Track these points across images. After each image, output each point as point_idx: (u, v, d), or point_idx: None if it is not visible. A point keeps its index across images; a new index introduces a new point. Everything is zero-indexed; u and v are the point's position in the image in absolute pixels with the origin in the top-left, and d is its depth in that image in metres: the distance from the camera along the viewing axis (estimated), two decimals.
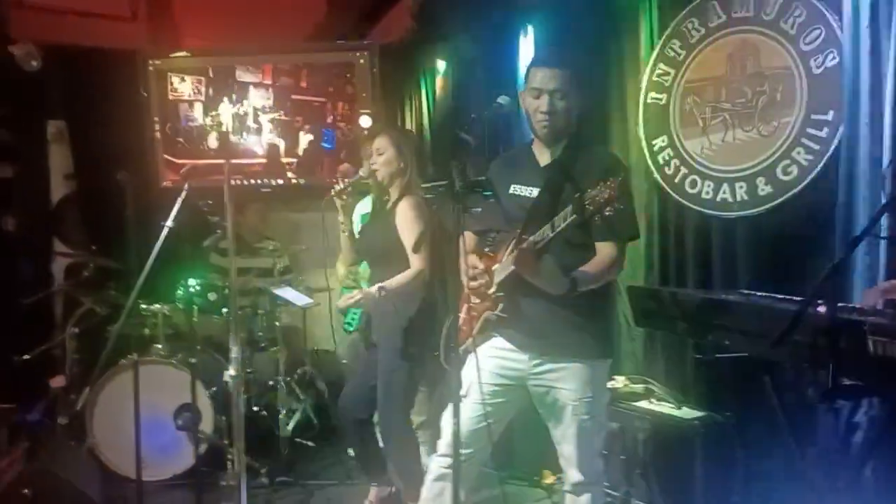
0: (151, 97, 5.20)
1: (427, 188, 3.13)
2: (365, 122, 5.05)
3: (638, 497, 3.15)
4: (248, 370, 4.53)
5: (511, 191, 2.49)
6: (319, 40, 5.62)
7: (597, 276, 2.34)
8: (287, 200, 5.39)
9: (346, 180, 3.31)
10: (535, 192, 2.42)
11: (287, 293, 4.38)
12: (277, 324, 4.50)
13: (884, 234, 2.50)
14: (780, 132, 3.11)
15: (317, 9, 5.65)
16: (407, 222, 3.14)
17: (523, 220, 2.38)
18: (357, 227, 3.55)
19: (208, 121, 5.14)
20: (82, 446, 3.85)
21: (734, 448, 2.97)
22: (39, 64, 4.68)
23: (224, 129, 5.11)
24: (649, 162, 3.61)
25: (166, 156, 5.26)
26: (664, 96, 3.56)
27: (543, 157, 2.48)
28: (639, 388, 3.35)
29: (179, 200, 2.95)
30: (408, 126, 5.58)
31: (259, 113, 5.22)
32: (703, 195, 3.39)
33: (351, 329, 3.64)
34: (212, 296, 4.21)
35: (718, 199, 3.33)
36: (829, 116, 2.93)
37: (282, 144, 5.25)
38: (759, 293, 2.55)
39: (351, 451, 4.07)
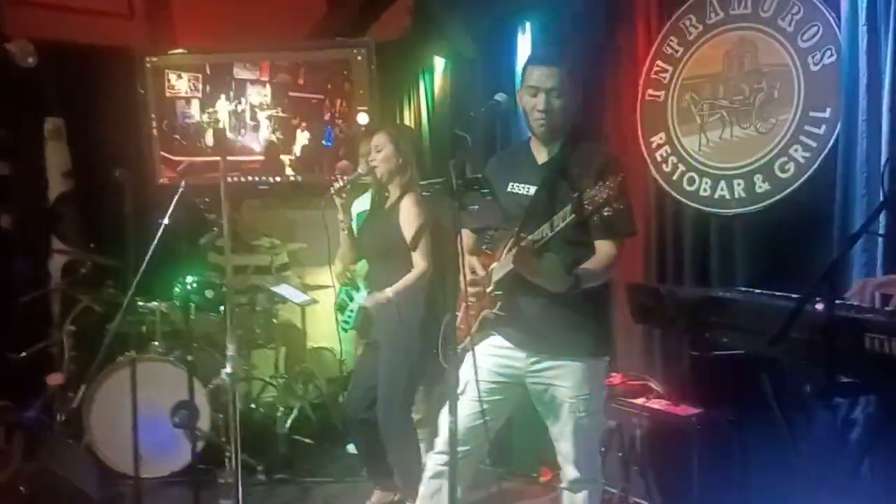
0: (148, 94, 5.19)
1: (424, 186, 3.13)
2: (363, 119, 5.04)
3: (635, 494, 3.16)
4: (246, 367, 4.53)
5: (509, 189, 2.48)
6: (317, 37, 5.60)
7: (598, 274, 2.34)
8: (285, 198, 5.39)
9: (344, 178, 3.30)
10: (532, 190, 2.42)
11: (285, 290, 4.39)
12: (275, 321, 4.50)
13: (881, 231, 2.50)
14: (777, 129, 3.11)
15: (315, 6, 5.64)
16: (411, 219, 3.13)
17: (521, 217, 2.37)
18: (354, 225, 3.54)
19: (205, 118, 5.13)
20: (80, 444, 3.84)
21: (731, 445, 2.98)
22: (35, 61, 4.66)
23: (221, 126, 5.10)
24: (647, 159, 3.61)
25: (163, 153, 5.25)
26: (662, 93, 3.55)
27: (541, 154, 2.48)
28: (636, 385, 3.35)
29: (176, 198, 2.95)
30: (406, 124, 5.57)
31: (257, 110, 5.21)
32: (701, 192, 3.39)
33: (348, 327, 3.64)
34: (209, 293, 4.22)
35: (716, 196, 3.33)
36: (827, 114, 2.93)
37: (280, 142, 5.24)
38: (756, 290, 2.55)
39: (350, 448, 4.09)
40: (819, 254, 2.86)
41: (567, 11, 3.92)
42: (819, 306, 1.80)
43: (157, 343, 4.05)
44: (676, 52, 3.49)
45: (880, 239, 2.55)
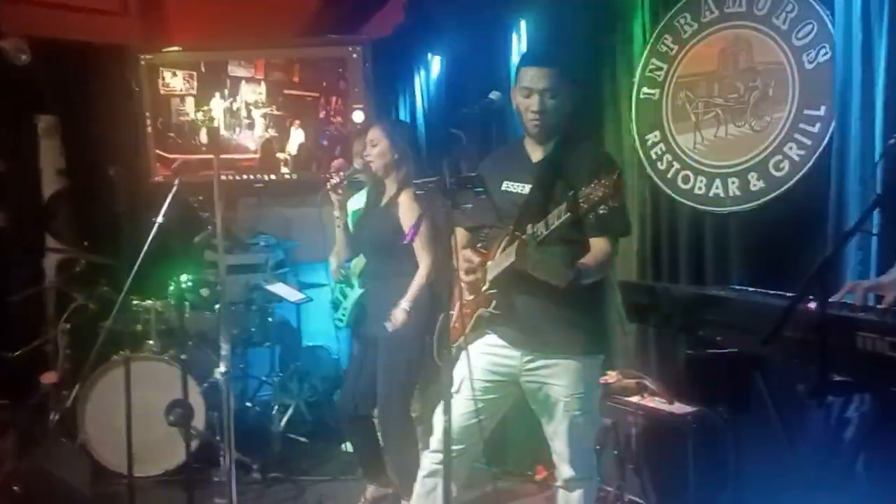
0: (143, 92, 5.18)
1: (418, 184, 3.12)
2: (358, 117, 5.04)
3: (630, 492, 3.15)
4: (241, 366, 4.53)
5: (503, 187, 2.48)
6: (312, 35, 5.60)
7: (595, 270, 2.34)
8: (280, 196, 5.38)
9: (341, 174, 3.29)
10: (527, 188, 2.42)
11: (279, 289, 4.38)
12: (270, 319, 4.50)
13: (875, 230, 2.50)
14: (772, 127, 3.11)
15: (309, 3, 5.63)
16: (412, 214, 3.10)
17: (515, 216, 2.37)
18: (349, 221, 3.53)
19: (199, 116, 5.12)
20: (74, 442, 3.84)
21: (726, 443, 2.98)
22: (29, 58, 4.64)
23: (215, 124, 5.09)
24: (642, 157, 3.61)
25: (158, 151, 5.25)
26: (657, 91, 3.55)
27: (535, 153, 2.48)
28: (631, 383, 3.35)
29: (170, 196, 2.94)
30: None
31: (251, 108, 5.20)
32: (696, 190, 3.39)
33: (342, 324, 3.63)
34: (204, 291, 4.22)
35: (711, 194, 3.34)
36: (821, 112, 2.93)
37: (275, 139, 5.24)
38: (750, 288, 2.55)
39: (345, 447, 4.08)
40: (814, 252, 2.86)
41: (562, 9, 3.92)
42: (812, 305, 1.80)
43: (151, 342, 4.04)
44: (671, 50, 3.49)
45: (874, 238, 2.55)
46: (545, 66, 2.37)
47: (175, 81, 5.21)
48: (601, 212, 2.04)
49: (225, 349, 2.65)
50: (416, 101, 5.43)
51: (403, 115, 5.63)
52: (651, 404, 3.19)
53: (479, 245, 2.56)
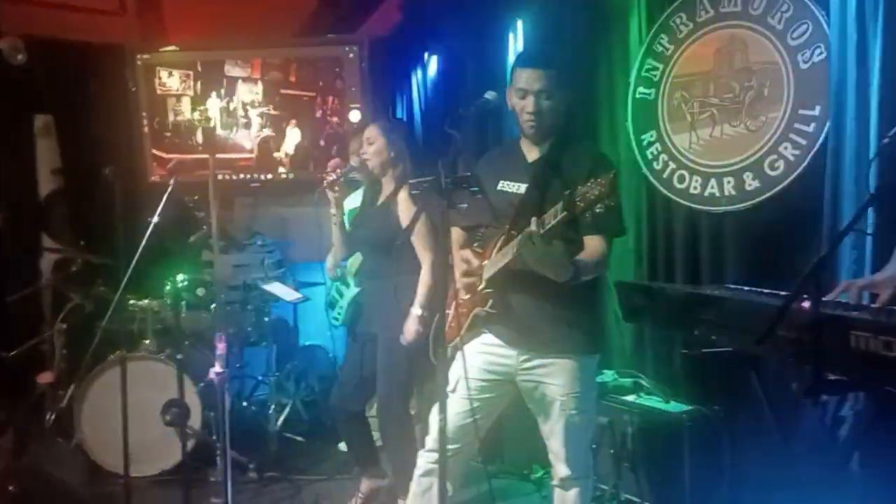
0: (140, 92, 5.18)
1: (413, 183, 3.12)
2: (355, 116, 5.04)
3: (627, 490, 3.16)
4: (238, 365, 4.53)
5: (499, 187, 2.48)
6: (309, 35, 5.60)
7: (591, 267, 2.34)
8: (277, 195, 5.38)
9: (338, 171, 3.27)
10: (523, 187, 2.42)
11: (276, 288, 4.38)
12: (267, 319, 4.49)
13: (870, 230, 2.50)
14: (767, 127, 3.12)
15: (306, 3, 5.62)
16: (411, 211, 3.07)
17: (511, 215, 2.37)
18: (346, 219, 3.52)
19: (196, 115, 5.11)
20: (70, 442, 3.83)
21: (722, 441, 2.99)
22: (25, 57, 4.64)
23: (211, 124, 5.09)
24: (638, 157, 3.62)
25: (155, 150, 5.25)
26: (652, 91, 3.56)
27: (531, 153, 2.48)
28: (627, 382, 3.36)
29: (165, 196, 2.94)
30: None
31: (248, 108, 5.20)
32: (691, 190, 3.40)
33: (338, 323, 3.63)
34: (200, 291, 4.21)
35: (706, 193, 3.34)
36: (816, 111, 2.94)
37: (271, 139, 5.24)
38: (745, 288, 2.56)
39: (341, 446, 4.08)
40: (809, 251, 2.87)
41: (558, 9, 3.92)
42: (806, 304, 1.80)
43: (147, 341, 4.04)
44: (667, 49, 3.49)
45: (868, 237, 2.56)
46: (540, 67, 2.37)
47: (172, 81, 5.21)
48: (597, 211, 2.04)
49: (220, 349, 2.64)
50: (413, 101, 5.44)
51: (400, 114, 5.64)
52: (647, 403, 3.20)
53: (475, 245, 2.56)
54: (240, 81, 5.19)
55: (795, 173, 3.02)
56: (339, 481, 3.85)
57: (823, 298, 1.82)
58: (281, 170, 5.20)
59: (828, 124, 2.85)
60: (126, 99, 5.16)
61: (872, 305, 1.92)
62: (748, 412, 2.76)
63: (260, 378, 4.76)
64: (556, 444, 2.47)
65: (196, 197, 3.92)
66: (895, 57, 2.60)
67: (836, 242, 2.54)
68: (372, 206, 3.33)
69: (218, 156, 5.08)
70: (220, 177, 4.91)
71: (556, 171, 2.39)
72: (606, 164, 2.40)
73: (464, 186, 2.20)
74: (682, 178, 3.44)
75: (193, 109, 5.18)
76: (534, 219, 2.14)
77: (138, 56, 5.16)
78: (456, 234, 2.60)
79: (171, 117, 5.21)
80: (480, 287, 2.42)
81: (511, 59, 4.17)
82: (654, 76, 3.55)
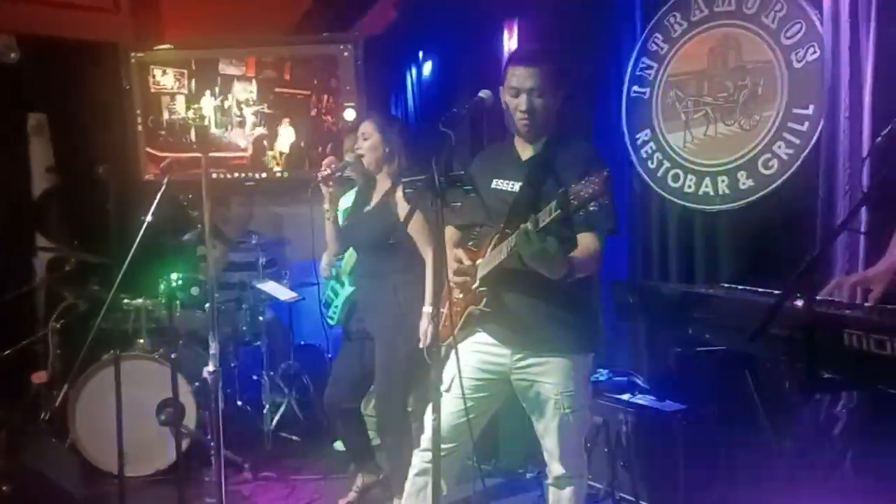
0: (134, 90, 5.16)
1: (406, 182, 3.10)
2: (349, 115, 5.02)
3: (621, 489, 3.17)
4: (233, 364, 4.52)
5: (493, 185, 2.48)
6: (303, 33, 5.58)
7: (584, 265, 2.34)
8: (271, 194, 5.37)
9: (332, 166, 3.24)
10: (517, 186, 2.42)
11: (270, 287, 4.37)
12: (261, 318, 4.48)
13: (863, 228, 2.51)
14: (761, 126, 3.13)
15: (301, 1, 5.61)
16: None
17: (506, 214, 2.37)
18: (340, 216, 3.51)
19: (190, 114, 5.10)
20: (64, 442, 3.82)
21: (716, 440, 2.99)
22: (18, 56, 4.63)
23: (206, 122, 5.07)
24: (632, 156, 3.62)
25: (149, 149, 5.22)
26: (647, 90, 3.57)
27: (525, 151, 2.48)
28: (622, 381, 3.37)
29: (159, 194, 2.93)
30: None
31: (243, 106, 5.18)
32: (686, 189, 3.41)
33: (333, 322, 3.63)
34: (194, 290, 4.20)
35: (700, 192, 3.35)
36: (810, 110, 2.95)
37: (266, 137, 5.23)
38: (739, 286, 2.56)
39: (336, 445, 4.08)
40: (803, 250, 2.88)
41: (553, 8, 3.92)
42: (799, 302, 1.81)
43: (142, 340, 4.03)
44: (661, 48, 3.50)
45: (862, 236, 2.57)
46: (532, 66, 2.37)
47: (166, 79, 5.19)
48: (591, 209, 2.04)
49: (213, 348, 2.63)
50: (408, 100, 5.43)
51: (395, 112, 5.63)
52: (641, 402, 3.21)
53: (469, 243, 2.56)
54: (234, 80, 5.18)
55: (789, 172, 3.03)
56: (334, 480, 3.84)
57: (817, 296, 1.83)
58: (275, 168, 5.19)
59: (821, 123, 2.86)
60: (120, 97, 5.14)
61: (865, 304, 1.93)
62: (742, 411, 2.76)
63: (255, 377, 4.75)
64: (550, 443, 2.47)
65: (190, 195, 3.91)
66: (888, 56, 2.61)
67: (830, 241, 2.55)
68: (367, 205, 3.31)
69: (212, 154, 5.07)
70: (214, 175, 4.89)
71: (550, 170, 2.38)
72: (599, 163, 2.40)
73: (458, 185, 2.20)
74: (676, 177, 3.45)
75: (188, 108, 5.16)
76: (532, 216, 2.14)
77: (132, 54, 5.13)
78: (450, 232, 2.60)
79: (165, 116, 5.19)
80: (475, 285, 2.42)
81: (505, 57, 4.16)
82: (649, 75, 3.55)
